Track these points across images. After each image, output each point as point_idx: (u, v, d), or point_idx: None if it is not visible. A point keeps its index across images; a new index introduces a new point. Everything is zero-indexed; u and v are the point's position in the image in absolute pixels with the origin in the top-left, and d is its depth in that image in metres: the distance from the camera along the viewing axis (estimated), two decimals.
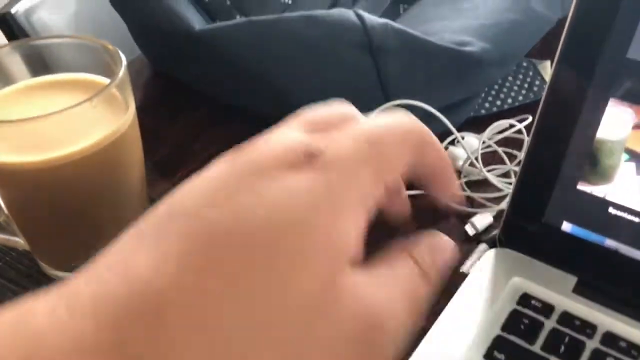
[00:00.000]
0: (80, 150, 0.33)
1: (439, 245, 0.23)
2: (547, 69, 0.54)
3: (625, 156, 0.34)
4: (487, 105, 0.51)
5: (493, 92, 0.51)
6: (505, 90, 0.51)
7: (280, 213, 0.18)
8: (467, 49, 0.43)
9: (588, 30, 0.33)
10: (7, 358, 0.16)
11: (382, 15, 0.54)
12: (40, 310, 0.17)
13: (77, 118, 0.32)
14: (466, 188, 0.44)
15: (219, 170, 0.20)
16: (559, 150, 0.35)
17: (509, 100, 0.51)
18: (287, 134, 0.21)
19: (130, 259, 0.18)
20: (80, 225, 0.37)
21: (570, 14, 0.34)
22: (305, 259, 0.18)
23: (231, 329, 0.17)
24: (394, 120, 0.22)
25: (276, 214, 0.18)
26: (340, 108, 0.23)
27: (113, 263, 0.18)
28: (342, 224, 0.19)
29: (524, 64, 0.53)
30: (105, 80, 0.38)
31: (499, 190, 0.44)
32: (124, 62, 0.35)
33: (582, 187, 0.35)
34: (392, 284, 0.20)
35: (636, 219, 0.34)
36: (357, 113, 0.23)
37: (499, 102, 0.51)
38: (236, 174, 0.19)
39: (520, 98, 0.51)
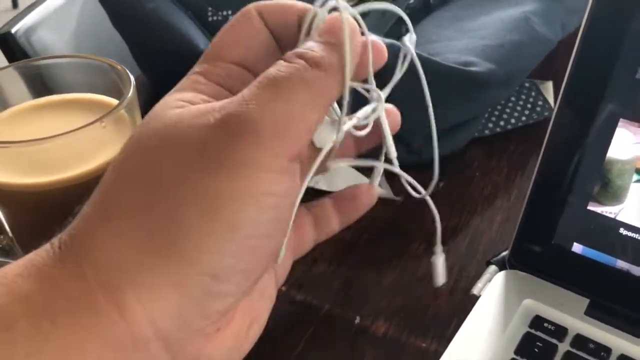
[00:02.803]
0: (87, 172, 0.33)
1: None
2: (548, 90, 0.54)
3: (636, 176, 0.34)
4: (490, 125, 0.51)
5: (496, 113, 0.51)
6: (508, 110, 0.52)
7: None
8: (473, 69, 0.43)
9: (597, 50, 0.34)
10: None
11: (384, 36, 0.54)
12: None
13: (86, 139, 0.32)
14: None
15: None
16: (569, 171, 0.35)
17: (512, 121, 0.51)
18: None
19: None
20: None
21: (579, 35, 0.34)
22: None
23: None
24: None
25: None
26: None
27: None
28: None
29: (527, 85, 0.53)
30: (110, 100, 0.37)
31: None
32: (133, 82, 0.35)
33: (592, 207, 0.35)
34: None
35: None
36: None
37: (502, 123, 0.51)
38: None
39: (524, 118, 0.51)
